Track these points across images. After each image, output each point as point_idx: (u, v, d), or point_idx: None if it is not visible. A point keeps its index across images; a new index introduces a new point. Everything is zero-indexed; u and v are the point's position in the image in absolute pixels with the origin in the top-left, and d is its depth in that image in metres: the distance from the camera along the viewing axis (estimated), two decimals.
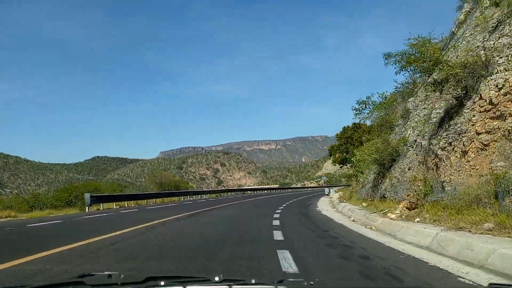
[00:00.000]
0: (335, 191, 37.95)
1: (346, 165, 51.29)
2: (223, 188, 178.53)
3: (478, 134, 8.33)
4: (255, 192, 66.05)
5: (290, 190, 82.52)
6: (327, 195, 36.92)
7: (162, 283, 1.61)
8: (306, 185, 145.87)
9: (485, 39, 9.91)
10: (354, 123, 43.73)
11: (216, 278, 1.62)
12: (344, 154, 47.56)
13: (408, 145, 13.49)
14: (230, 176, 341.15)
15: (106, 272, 1.84)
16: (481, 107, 8.37)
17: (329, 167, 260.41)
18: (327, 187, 63.90)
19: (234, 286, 1.58)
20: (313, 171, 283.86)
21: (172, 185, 56.26)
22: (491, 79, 8.29)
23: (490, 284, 1.60)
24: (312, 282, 1.57)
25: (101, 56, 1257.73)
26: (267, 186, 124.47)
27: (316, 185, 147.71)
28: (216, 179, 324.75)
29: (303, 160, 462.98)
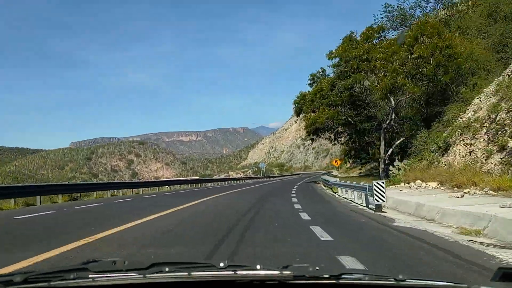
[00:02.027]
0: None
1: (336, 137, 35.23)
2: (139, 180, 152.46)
3: None
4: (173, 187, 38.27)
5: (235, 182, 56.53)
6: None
7: (167, 269, 1.59)
8: (231, 176, 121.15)
9: None
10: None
11: (221, 264, 1.60)
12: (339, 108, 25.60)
13: None
14: (146, 167, 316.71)
15: (110, 259, 1.75)
16: None
17: (254, 156, 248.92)
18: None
19: (239, 272, 1.56)
20: (236, 161, 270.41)
21: None
22: None
23: (500, 268, 1.50)
24: (317, 268, 1.52)
25: None
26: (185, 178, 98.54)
27: (243, 175, 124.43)
28: (130, 171, 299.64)
29: (224, 152, 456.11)
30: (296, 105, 33.64)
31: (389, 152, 25.69)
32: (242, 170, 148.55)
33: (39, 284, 1.58)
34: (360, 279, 1.54)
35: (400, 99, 23.23)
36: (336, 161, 53.41)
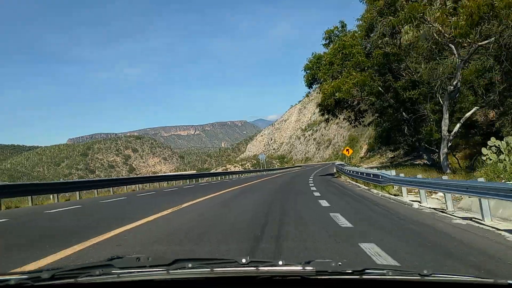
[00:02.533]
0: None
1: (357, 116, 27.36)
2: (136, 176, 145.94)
3: None
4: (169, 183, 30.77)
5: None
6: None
7: (190, 265, 1.64)
8: (230, 170, 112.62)
9: None
10: None
11: (243, 260, 1.62)
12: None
13: None
14: (144, 162, 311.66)
15: (134, 255, 1.82)
16: None
17: (253, 148, 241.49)
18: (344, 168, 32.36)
19: (261, 268, 1.56)
20: (234, 154, 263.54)
21: None
22: None
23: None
24: (340, 263, 1.53)
25: None
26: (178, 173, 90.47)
27: (242, 169, 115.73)
28: (128, 166, 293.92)
29: (223, 145, 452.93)
30: (308, 71, 24.63)
31: (456, 129, 17.02)
32: (240, 163, 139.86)
33: (66, 281, 1.60)
34: (383, 275, 1.49)
35: (486, 41, 14.25)
36: (347, 150, 44.94)
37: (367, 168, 22.02)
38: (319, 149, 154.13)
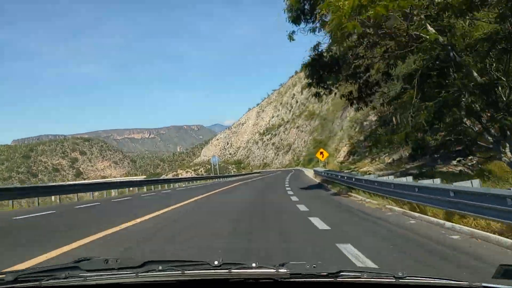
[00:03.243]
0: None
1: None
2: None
3: None
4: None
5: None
6: None
7: (160, 267, 1.57)
8: (182, 175, 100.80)
9: None
10: None
11: (216, 262, 1.56)
12: None
13: None
14: (92, 166, 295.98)
15: (102, 257, 1.72)
16: None
17: (208, 153, 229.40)
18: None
19: (233, 270, 1.52)
20: (189, 159, 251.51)
21: None
22: None
23: (501, 265, 1.49)
24: (314, 265, 1.48)
25: None
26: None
27: (195, 174, 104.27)
28: (74, 170, 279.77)
29: (178, 150, 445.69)
30: None
31: None
32: (193, 169, 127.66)
33: (30, 284, 1.54)
34: (358, 277, 1.45)
35: None
36: (321, 153, 35.48)
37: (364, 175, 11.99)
38: (278, 155, 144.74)
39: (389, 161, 26.68)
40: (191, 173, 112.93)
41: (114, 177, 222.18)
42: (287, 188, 21.01)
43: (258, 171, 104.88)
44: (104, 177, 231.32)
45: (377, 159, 28.41)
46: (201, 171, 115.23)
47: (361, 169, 25.27)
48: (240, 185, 29.83)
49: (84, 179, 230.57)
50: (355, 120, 46.66)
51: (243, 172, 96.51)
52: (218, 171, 56.14)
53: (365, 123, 40.35)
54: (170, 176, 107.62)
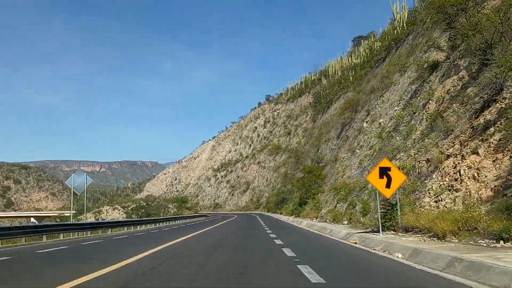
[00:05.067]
0: None
1: None
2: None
3: None
4: None
5: None
6: None
7: None
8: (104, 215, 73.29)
9: None
10: None
11: None
12: None
13: None
14: (26, 197, 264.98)
15: None
16: None
17: (152, 188, 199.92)
18: None
19: None
20: (133, 194, 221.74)
21: None
22: None
23: None
24: None
25: None
26: None
27: (123, 212, 77.07)
28: (5, 200, 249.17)
29: (129, 185, 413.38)
30: None
31: None
32: (122, 206, 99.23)
33: None
34: None
35: None
36: (384, 173, 11.71)
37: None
38: (233, 194, 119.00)
39: None
40: (119, 210, 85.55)
41: (50, 210, 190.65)
42: None
43: (205, 213, 78.80)
44: (38, 209, 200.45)
45: None
46: (132, 207, 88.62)
47: None
48: None
49: (15, 211, 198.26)
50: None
51: (184, 214, 69.71)
52: (85, 199, 28.48)
53: None
54: (89, 214, 79.59)
